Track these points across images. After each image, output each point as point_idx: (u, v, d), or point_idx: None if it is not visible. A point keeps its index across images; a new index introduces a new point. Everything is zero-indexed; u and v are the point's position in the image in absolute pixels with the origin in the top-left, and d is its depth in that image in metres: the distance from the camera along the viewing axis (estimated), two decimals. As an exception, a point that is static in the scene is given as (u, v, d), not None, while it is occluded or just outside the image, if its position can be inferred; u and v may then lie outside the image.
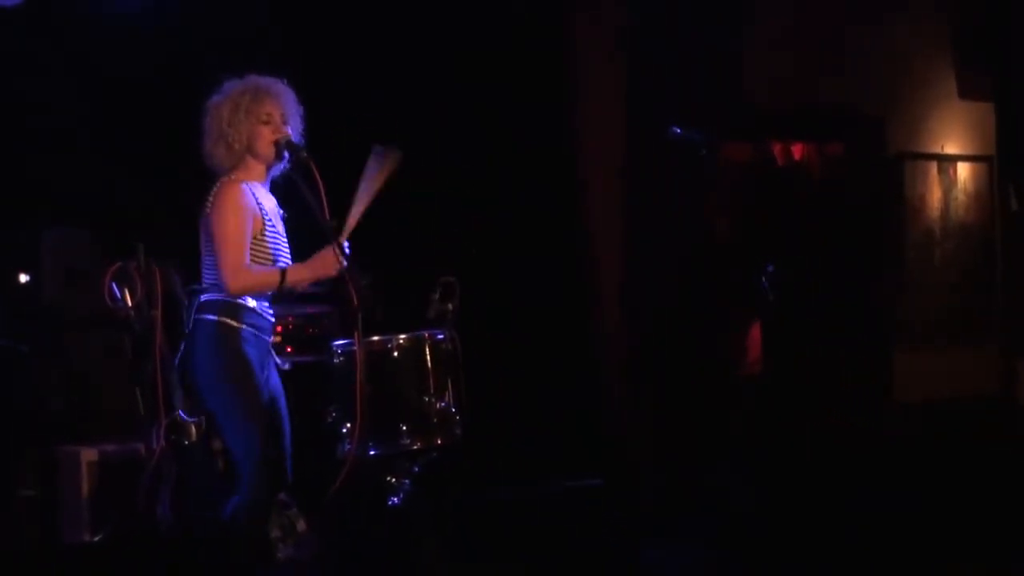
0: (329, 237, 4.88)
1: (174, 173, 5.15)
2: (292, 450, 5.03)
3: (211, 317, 4.87)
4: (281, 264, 4.96)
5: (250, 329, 4.90)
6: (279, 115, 4.98)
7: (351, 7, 6.84)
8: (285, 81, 5.06)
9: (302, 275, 4.94)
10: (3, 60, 6.14)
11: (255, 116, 4.94)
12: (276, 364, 5.08)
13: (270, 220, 4.96)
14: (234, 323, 4.86)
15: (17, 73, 6.20)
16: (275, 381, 5.05)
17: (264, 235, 4.92)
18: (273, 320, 5.06)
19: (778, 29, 8.11)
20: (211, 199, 4.89)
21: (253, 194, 4.92)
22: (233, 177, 4.93)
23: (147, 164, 6.17)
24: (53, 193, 6.24)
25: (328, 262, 4.88)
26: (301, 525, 5.42)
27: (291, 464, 5.01)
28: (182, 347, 4.90)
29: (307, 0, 6.73)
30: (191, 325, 4.88)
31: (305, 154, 4.95)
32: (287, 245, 5.08)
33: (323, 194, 4.86)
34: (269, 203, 5.04)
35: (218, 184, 4.92)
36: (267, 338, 5.02)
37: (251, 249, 4.89)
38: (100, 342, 5.98)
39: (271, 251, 4.95)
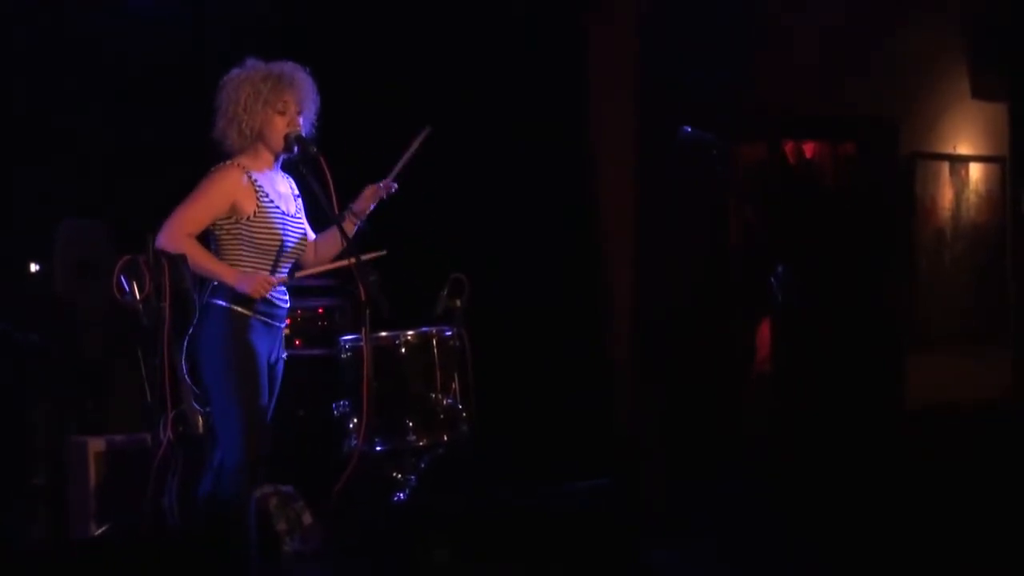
0: (339, 230, 4.89)
1: (188, 164, 5.17)
2: (285, 442, 5.05)
3: (222, 303, 4.88)
4: (288, 243, 4.97)
5: (261, 318, 4.92)
6: (296, 106, 4.99)
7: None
8: (308, 70, 5.06)
9: (226, 279, 4.86)
10: (17, 52, 6.16)
11: (272, 105, 4.95)
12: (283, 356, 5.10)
13: (272, 202, 4.95)
14: (245, 311, 4.88)
15: (31, 65, 6.23)
16: (278, 371, 5.06)
17: (267, 215, 4.91)
18: (287, 307, 5.06)
19: (791, 30, 8.09)
20: (207, 174, 4.92)
21: (256, 182, 4.92)
22: (234, 162, 4.94)
23: (161, 155, 6.19)
24: (66, 184, 6.26)
25: (256, 285, 4.84)
26: (307, 519, 5.44)
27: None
28: (191, 328, 4.87)
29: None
30: (202, 307, 4.88)
31: (315, 150, 4.96)
32: (301, 226, 5.08)
33: (331, 188, 4.88)
34: (280, 187, 5.04)
35: (217, 165, 4.94)
36: (279, 325, 5.02)
37: (252, 226, 4.89)
38: (111, 333, 6.00)
39: (278, 229, 4.94)
